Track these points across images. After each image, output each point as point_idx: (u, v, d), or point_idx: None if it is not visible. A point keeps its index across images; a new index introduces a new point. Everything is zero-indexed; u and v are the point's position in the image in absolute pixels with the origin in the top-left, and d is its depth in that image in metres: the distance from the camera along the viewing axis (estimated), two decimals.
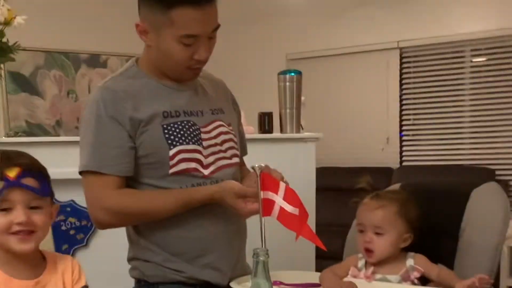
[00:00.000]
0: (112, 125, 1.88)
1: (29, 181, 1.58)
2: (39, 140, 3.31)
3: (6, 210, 1.56)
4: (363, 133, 6.20)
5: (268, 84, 5.64)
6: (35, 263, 1.64)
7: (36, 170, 1.62)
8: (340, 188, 5.61)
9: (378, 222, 2.06)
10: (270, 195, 1.59)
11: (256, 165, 1.58)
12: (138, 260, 1.99)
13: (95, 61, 6.29)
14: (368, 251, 2.06)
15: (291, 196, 1.59)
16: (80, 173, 1.92)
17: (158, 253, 1.95)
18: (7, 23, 3.07)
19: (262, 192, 1.58)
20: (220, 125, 2.03)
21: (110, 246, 2.94)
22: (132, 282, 2.05)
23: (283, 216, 1.59)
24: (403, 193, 2.18)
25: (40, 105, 6.19)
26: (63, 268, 1.68)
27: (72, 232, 3.10)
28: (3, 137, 3.25)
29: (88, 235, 3.14)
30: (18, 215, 1.56)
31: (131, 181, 1.94)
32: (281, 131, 3.27)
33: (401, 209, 2.07)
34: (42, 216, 1.60)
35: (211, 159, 1.97)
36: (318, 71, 6.28)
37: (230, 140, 2.05)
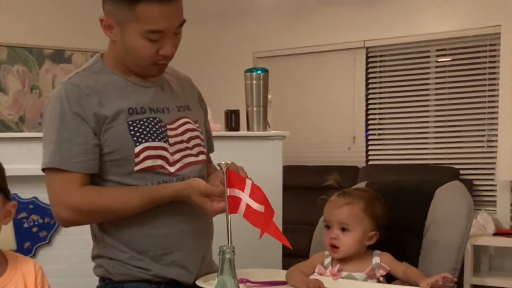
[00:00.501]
0: (76, 121, 1.85)
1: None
2: (2, 136, 3.24)
3: None
4: (329, 132, 6.23)
5: (235, 82, 5.64)
6: None
7: None
8: (306, 187, 5.63)
9: (344, 218, 2.07)
10: (237, 192, 1.58)
11: (222, 162, 1.56)
12: (103, 258, 1.96)
13: (59, 56, 6.22)
14: (334, 247, 2.07)
15: (257, 193, 1.58)
16: (43, 170, 1.89)
17: (124, 251, 1.93)
18: None
19: (228, 189, 1.57)
20: (186, 122, 2.01)
21: (73, 244, 2.92)
22: (95, 280, 2.02)
23: (249, 213, 1.58)
24: (370, 191, 2.19)
25: (3, 100, 6.10)
26: (26, 271, 1.67)
27: (34, 229, 3.05)
28: None
29: (51, 232, 3.10)
30: None
31: (95, 178, 1.91)
32: (248, 129, 3.26)
33: (367, 207, 2.08)
34: (6, 219, 1.61)
35: (177, 156, 1.95)
36: (285, 69, 6.29)
37: (197, 137, 2.03)
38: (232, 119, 3.30)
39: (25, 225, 3.06)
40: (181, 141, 1.97)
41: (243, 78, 3.29)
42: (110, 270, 1.94)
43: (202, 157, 2.04)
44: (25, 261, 1.70)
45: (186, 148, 1.98)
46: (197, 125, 2.06)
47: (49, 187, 1.89)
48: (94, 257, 2.01)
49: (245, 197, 1.58)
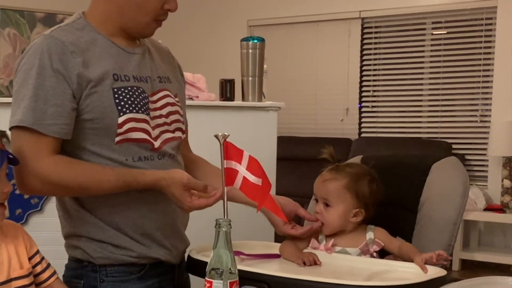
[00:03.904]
0: (56, 79, 1.70)
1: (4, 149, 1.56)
2: None
3: None
4: (322, 104, 6.22)
5: (229, 51, 5.60)
6: None
7: (6, 138, 1.58)
8: (298, 158, 5.63)
9: (326, 194, 2.07)
10: (233, 164, 1.55)
11: (220, 134, 1.53)
12: (81, 238, 1.83)
13: (51, 20, 6.15)
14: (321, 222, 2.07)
15: (254, 166, 1.55)
16: (11, 128, 1.72)
17: (105, 229, 1.81)
18: None
19: (225, 161, 1.54)
20: (166, 95, 1.90)
21: None
22: None
23: (246, 186, 1.55)
24: (360, 168, 2.16)
25: None
26: (13, 234, 1.65)
27: (26, 196, 3.01)
28: None
29: (43, 200, 3.07)
30: (5, 184, 1.55)
31: (71, 146, 1.77)
32: (243, 99, 3.23)
33: (350, 184, 2.05)
34: (7, 185, 1.58)
35: (156, 131, 1.84)
36: (279, 39, 6.25)
37: (176, 112, 1.93)
38: (227, 89, 3.26)
39: (17, 191, 3.03)
40: (160, 116, 1.86)
41: (238, 47, 3.25)
42: (91, 253, 1.82)
43: (178, 134, 1.93)
44: (10, 225, 1.67)
45: (165, 124, 1.87)
46: (176, 99, 1.95)
47: (15, 149, 1.70)
48: (68, 235, 1.87)
49: (242, 169, 1.55)
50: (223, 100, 3.27)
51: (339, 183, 2.06)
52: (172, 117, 1.91)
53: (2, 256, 1.59)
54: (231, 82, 3.25)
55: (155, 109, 1.85)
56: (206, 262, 1.48)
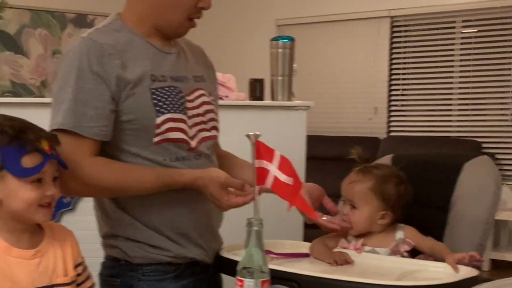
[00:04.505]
0: (95, 82, 1.71)
1: (56, 153, 1.58)
2: (25, 101, 3.24)
3: (37, 182, 1.54)
4: (351, 102, 6.19)
5: (258, 50, 5.59)
6: (33, 232, 1.61)
7: (56, 141, 1.60)
8: (326, 157, 5.61)
9: (351, 195, 2.06)
10: (265, 163, 1.55)
11: (251, 133, 1.54)
12: (119, 238, 1.85)
13: (81, 21, 6.20)
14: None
15: (285, 165, 1.56)
16: (52, 130, 1.72)
17: (143, 230, 1.83)
18: None
19: (256, 160, 1.55)
20: (202, 94, 1.92)
21: None
22: None
23: (277, 185, 1.56)
24: (388, 169, 2.14)
25: (25, 64, 6.12)
26: (62, 240, 1.65)
27: None
28: None
29: (75, 199, 3.10)
30: (50, 187, 1.55)
31: (111, 147, 1.79)
32: (272, 98, 3.23)
33: (376, 186, 2.04)
34: (58, 187, 1.60)
35: (194, 130, 1.86)
36: (308, 38, 6.23)
37: (211, 111, 1.94)
38: (256, 89, 3.27)
39: None
40: (198, 114, 1.88)
41: (266, 46, 3.25)
42: (128, 252, 1.84)
43: (214, 132, 1.96)
44: (60, 229, 1.69)
45: (202, 122, 1.89)
46: (211, 97, 1.97)
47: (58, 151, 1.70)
48: (106, 236, 1.90)
49: (273, 168, 1.55)
50: (252, 100, 3.27)
51: (365, 185, 2.05)
52: (208, 116, 1.93)
53: (47, 260, 1.60)
54: (261, 81, 3.26)
55: (193, 108, 1.87)
56: (236, 261, 1.49)
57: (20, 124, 1.55)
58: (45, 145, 1.54)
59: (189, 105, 1.86)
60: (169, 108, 1.80)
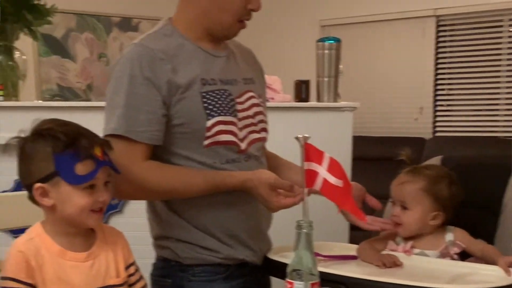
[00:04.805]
0: (147, 87, 1.75)
1: (109, 159, 1.59)
2: (71, 104, 3.28)
3: (90, 188, 1.56)
4: (396, 102, 6.13)
5: (301, 51, 5.60)
6: (85, 235, 1.63)
7: (108, 147, 1.61)
8: (371, 158, 5.56)
9: (403, 196, 2.04)
10: (314, 166, 1.55)
11: (300, 136, 1.53)
12: (170, 240, 1.89)
13: (126, 24, 6.26)
14: (397, 224, 2.04)
15: (335, 167, 1.55)
16: (105, 135, 1.76)
17: (193, 232, 1.86)
18: None
19: (305, 163, 1.54)
20: (252, 96, 1.94)
21: (145, 212, 2.95)
22: None
23: (326, 187, 1.55)
24: (439, 169, 2.12)
25: (71, 68, 6.20)
26: (113, 241, 1.67)
27: None
28: (40, 101, 3.24)
29: (123, 201, 3.13)
30: (102, 193, 1.57)
31: (162, 151, 1.82)
32: (318, 99, 3.22)
33: (429, 186, 2.02)
34: (110, 192, 1.61)
35: (244, 132, 1.88)
36: (352, 38, 6.18)
37: (261, 113, 1.96)
38: (302, 90, 3.26)
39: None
40: (248, 116, 1.90)
41: (310, 47, 3.25)
42: (179, 253, 1.87)
43: (264, 134, 1.98)
44: (111, 231, 1.70)
45: (252, 124, 1.91)
46: (260, 99, 1.99)
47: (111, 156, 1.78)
48: (157, 237, 1.93)
49: (322, 171, 1.54)
50: (298, 101, 3.27)
51: (417, 185, 2.03)
52: (258, 117, 1.95)
53: (100, 262, 1.62)
54: (307, 83, 3.25)
55: (243, 110, 1.89)
56: (283, 263, 1.49)
57: (74, 130, 1.57)
58: (98, 152, 1.55)
59: (239, 107, 1.88)
60: (219, 111, 1.82)
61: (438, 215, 2.02)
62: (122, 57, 1.81)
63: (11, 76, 3.05)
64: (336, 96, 3.21)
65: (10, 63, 3.06)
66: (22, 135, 1.59)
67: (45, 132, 1.56)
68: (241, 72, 1.96)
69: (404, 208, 2.03)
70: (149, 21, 6.18)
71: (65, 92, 6.16)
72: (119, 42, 6.28)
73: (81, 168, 1.53)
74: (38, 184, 1.55)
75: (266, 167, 1.95)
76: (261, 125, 1.96)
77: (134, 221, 3.05)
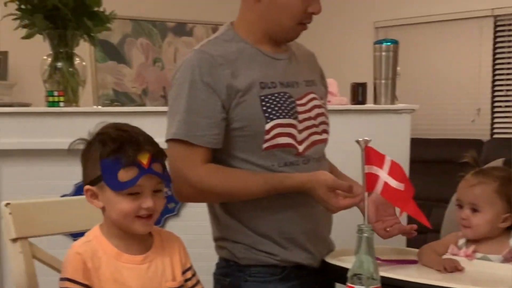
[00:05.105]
0: (207, 92, 1.79)
1: (157, 167, 1.59)
2: (126, 110, 3.32)
3: (135, 194, 1.57)
4: (453, 104, 6.05)
5: (356, 53, 5.56)
6: (142, 238, 1.65)
7: (161, 155, 1.61)
8: (428, 160, 5.50)
9: (474, 199, 1.99)
10: (375, 169, 1.54)
11: (361, 139, 1.52)
12: (227, 241, 1.93)
13: (181, 29, 6.31)
14: (465, 227, 2.00)
15: (396, 171, 1.54)
16: (167, 140, 1.84)
17: (248, 235, 1.89)
18: None
19: (366, 166, 1.53)
20: (313, 98, 1.95)
21: (201, 216, 2.95)
22: None
23: (387, 191, 1.54)
24: (507, 172, 2.07)
25: (127, 73, 6.28)
26: (170, 246, 1.68)
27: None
28: (99, 106, 3.28)
29: (179, 204, 3.15)
30: (146, 200, 1.57)
31: (221, 154, 1.86)
32: (375, 102, 3.20)
33: (501, 188, 1.98)
34: (161, 200, 1.62)
35: (304, 134, 1.89)
36: (407, 39, 6.11)
37: (322, 114, 1.97)
38: (359, 92, 3.24)
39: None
40: (309, 118, 1.91)
41: (364, 49, 3.23)
42: (236, 253, 1.91)
43: (325, 136, 1.99)
44: (168, 236, 1.72)
45: (313, 126, 1.92)
46: (322, 101, 2.00)
47: (172, 160, 1.78)
48: (217, 239, 1.98)
49: (383, 174, 1.54)
50: (354, 104, 3.25)
51: (489, 187, 1.99)
52: (320, 119, 1.96)
53: (156, 266, 1.64)
54: (363, 85, 3.23)
55: (304, 112, 1.90)
56: (340, 267, 1.48)
57: (124, 137, 1.58)
58: (143, 159, 1.56)
59: (300, 109, 1.89)
60: (278, 114, 1.83)
61: (510, 217, 1.98)
62: (183, 64, 1.86)
63: (72, 82, 3.10)
64: (393, 98, 3.18)
65: (71, 69, 3.11)
66: (87, 138, 1.63)
67: (98, 137, 1.60)
68: (303, 74, 1.97)
69: (474, 210, 1.99)
70: (204, 26, 6.22)
71: (120, 97, 6.25)
72: (174, 47, 6.33)
73: (123, 175, 1.55)
74: (87, 186, 1.61)
75: (327, 169, 1.96)
76: (322, 127, 1.97)
77: (191, 224, 3.08)
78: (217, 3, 5.79)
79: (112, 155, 1.55)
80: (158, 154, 1.60)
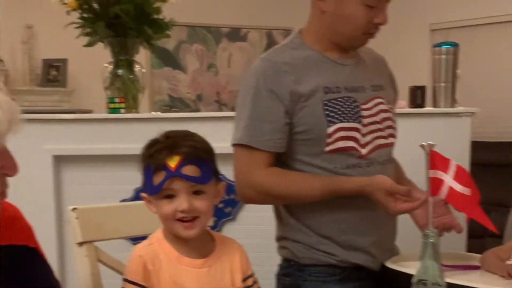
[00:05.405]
0: (270, 99, 1.86)
1: (189, 170, 1.57)
2: (181, 116, 3.34)
3: (171, 197, 1.59)
4: None
5: (411, 56, 5.50)
6: (204, 243, 1.66)
7: (196, 157, 1.58)
8: (488, 163, 5.38)
9: None
10: (439, 174, 1.52)
11: (425, 143, 1.51)
12: (288, 240, 1.98)
13: (235, 35, 6.36)
14: None
15: (462, 175, 1.52)
16: (233, 145, 1.92)
17: (309, 235, 1.93)
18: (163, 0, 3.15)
19: (430, 171, 1.52)
20: (380, 103, 1.97)
21: (258, 220, 2.98)
22: (278, 256, 2.04)
23: (452, 196, 1.52)
24: None
25: (182, 79, 6.36)
26: (232, 253, 1.69)
27: (220, 205, 3.14)
28: (158, 112, 3.32)
29: (236, 208, 3.18)
30: (181, 203, 1.58)
31: (284, 157, 1.92)
32: (434, 105, 3.17)
33: None
34: (204, 201, 1.60)
35: (368, 138, 1.91)
36: (463, 41, 5.99)
37: (389, 119, 1.99)
38: (417, 96, 3.22)
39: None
40: (374, 122, 1.93)
41: (419, 51, 3.20)
42: (296, 253, 1.96)
43: (391, 140, 2.00)
44: (230, 243, 1.72)
45: (378, 130, 1.94)
46: (389, 105, 2.02)
47: (236, 163, 1.91)
48: (278, 238, 2.03)
49: (448, 179, 1.52)
50: (413, 107, 3.23)
51: None
52: (386, 123, 1.97)
53: (216, 271, 1.65)
54: (422, 88, 3.21)
55: (369, 116, 1.92)
56: (401, 272, 1.46)
57: (166, 143, 1.59)
58: (172, 163, 1.56)
59: (365, 113, 1.92)
60: (341, 118, 1.87)
61: None
62: (249, 72, 1.93)
63: (132, 89, 3.16)
64: (453, 102, 3.15)
65: (131, 76, 3.17)
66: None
67: (146, 145, 1.63)
68: (370, 79, 1.99)
69: None
70: (258, 31, 6.25)
71: (176, 103, 6.33)
72: (228, 52, 6.38)
73: (155, 179, 1.58)
74: (142, 194, 1.65)
75: (392, 173, 1.98)
76: (388, 131, 1.98)
77: (247, 228, 3.10)
78: (271, 9, 5.80)
79: (147, 161, 1.59)
80: (190, 156, 1.57)
